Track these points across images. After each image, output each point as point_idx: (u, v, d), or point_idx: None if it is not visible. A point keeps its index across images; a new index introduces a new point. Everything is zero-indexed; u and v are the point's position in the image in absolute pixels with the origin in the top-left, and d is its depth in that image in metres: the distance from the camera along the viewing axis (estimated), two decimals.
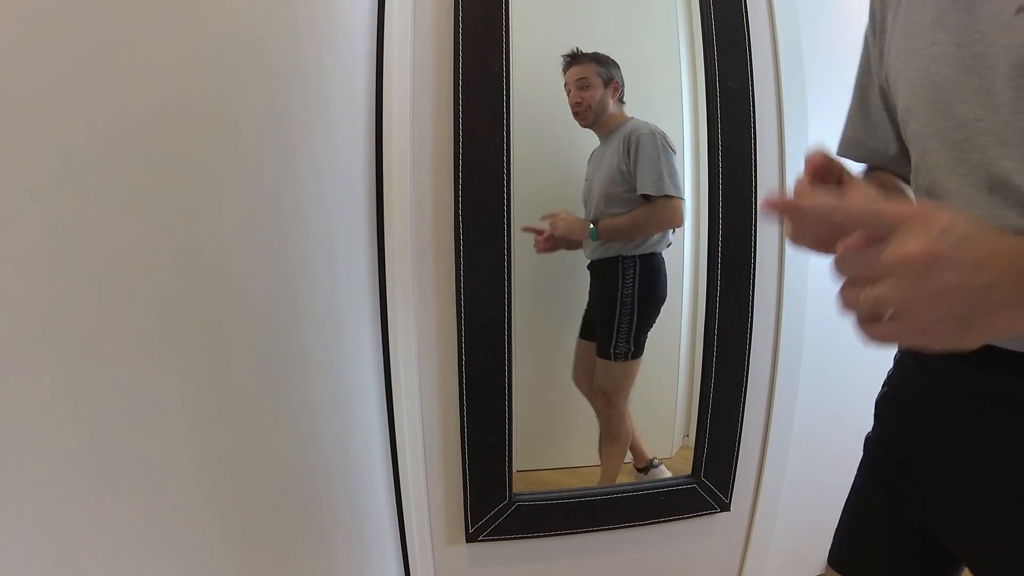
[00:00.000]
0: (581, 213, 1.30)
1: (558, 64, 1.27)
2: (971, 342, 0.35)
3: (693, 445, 1.32)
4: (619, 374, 1.33)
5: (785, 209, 0.40)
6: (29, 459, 0.33)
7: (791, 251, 1.27)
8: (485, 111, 1.10)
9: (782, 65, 1.23)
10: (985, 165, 0.46)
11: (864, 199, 0.45)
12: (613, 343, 1.30)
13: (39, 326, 0.34)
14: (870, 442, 0.66)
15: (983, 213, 0.46)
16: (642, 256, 1.28)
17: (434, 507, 1.23)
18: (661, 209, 1.23)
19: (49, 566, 0.34)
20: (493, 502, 1.22)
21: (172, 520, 0.47)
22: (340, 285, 0.96)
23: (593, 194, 1.28)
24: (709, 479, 1.29)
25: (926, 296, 0.33)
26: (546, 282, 1.34)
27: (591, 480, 1.39)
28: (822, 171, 0.50)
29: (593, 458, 1.40)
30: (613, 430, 1.36)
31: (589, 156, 1.31)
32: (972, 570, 0.54)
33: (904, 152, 0.58)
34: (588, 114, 1.26)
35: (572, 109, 1.26)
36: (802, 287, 1.30)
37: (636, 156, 1.22)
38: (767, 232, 1.24)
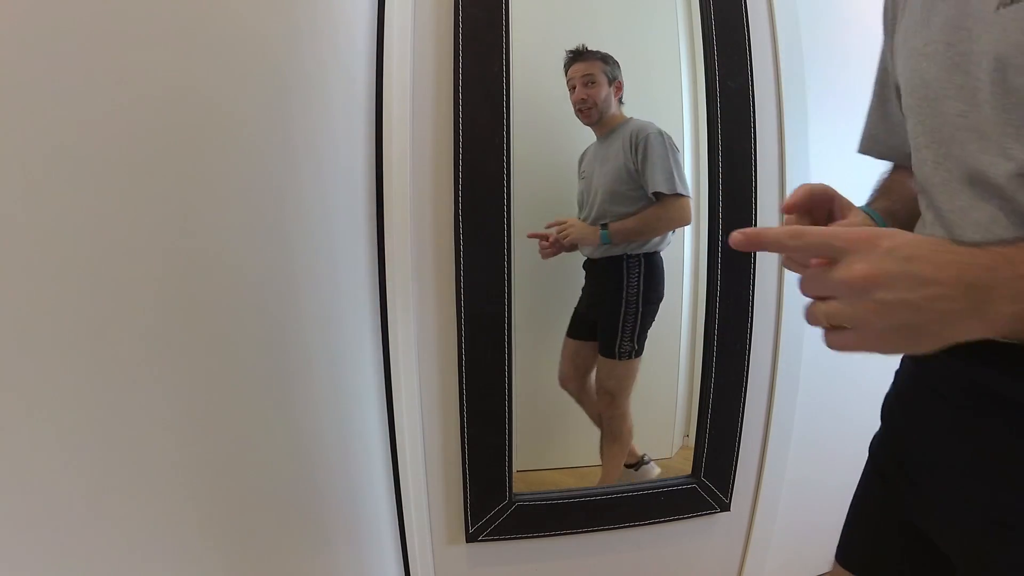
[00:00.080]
0: (575, 212, 1.30)
1: (558, 64, 1.27)
2: (927, 347, 0.38)
3: (693, 445, 1.32)
4: (623, 373, 1.33)
5: (748, 244, 0.43)
6: (29, 459, 0.33)
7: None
8: (485, 111, 1.10)
9: (782, 65, 1.23)
10: (965, 159, 0.48)
11: (837, 227, 0.53)
12: (618, 342, 1.31)
13: (38, 325, 0.34)
14: (874, 440, 0.67)
15: (965, 206, 0.48)
16: (646, 255, 1.29)
17: (434, 507, 1.23)
18: (673, 208, 1.24)
19: (49, 566, 0.34)
20: (493, 502, 1.22)
21: (171, 520, 0.47)
22: (340, 285, 0.96)
23: (594, 192, 1.28)
24: (709, 479, 1.29)
25: (871, 311, 0.37)
26: (546, 282, 1.34)
27: (591, 480, 1.38)
28: (804, 207, 0.57)
29: (593, 458, 1.40)
30: (615, 429, 1.36)
31: (581, 154, 1.31)
32: (961, 572, 0.54)
33: None
34: (593, 111, 1.26)
35: (576, 105, 1.26)
36: None
37: (645, 155, 1.23)
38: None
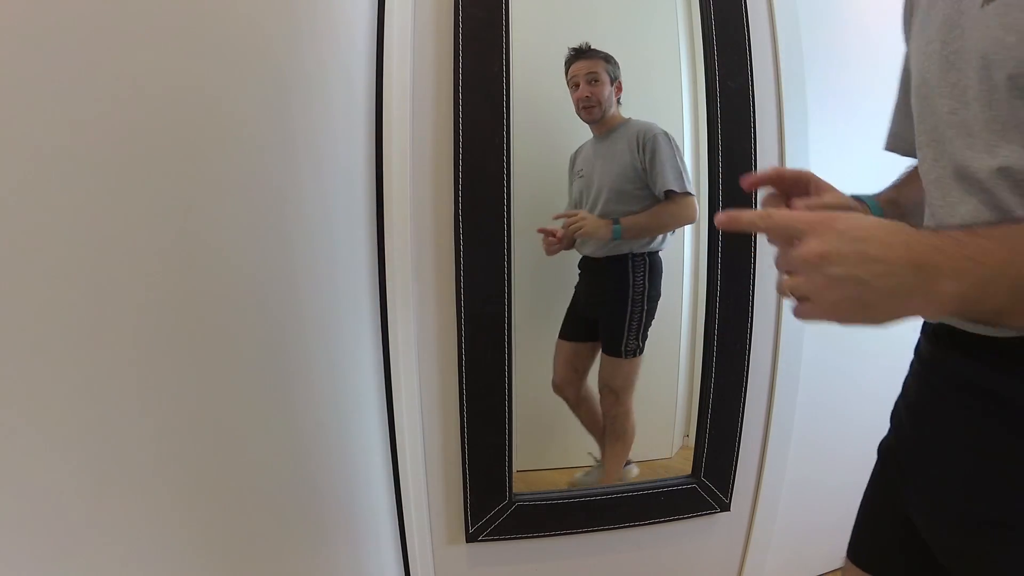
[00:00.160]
0: (564, 208, 1.31)
1: (558, 64, 1.27)
2: (877, 321, 0.42)
3: (693, 445, 1.32)
4: (628, 371, 1.34)
5: (729, 223, 0.48)
6: (28, 459, 0.33)
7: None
8: (485, 111, 1.10)
9: (782, 65, 1.24)
10: (955, 156, 0.49)
11: (808, 207, 0.60)
12: (624, 340, 1.31)
13: (38, 325, 0.34)
14: (882, 443, 0.67)
15: (954, 201, 0.49)
16: (649, 254, 1.30)
17: (434, 507, 1.23)
18: (683, 206, 1.26)
19: (49, 566, 0.34)
20: (493, 502, 1.22)
21: (171, 520, 0.47)
22: (340, 285, 0.96)
23: (596, 190, 1.28)
24: (709, 479, 1.29)
25: (823, 284, 0.41)
26: (546, 282, 1.34)
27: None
28: (766, 182, 0.65)
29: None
30: (619, 428, 1.36)
31: (574, 153, 1.31)
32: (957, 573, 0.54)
33: None
34: (596, 109, 1.26)
35: (580, 103, 1.26)
36: None
37: (654, 155, 1.24)
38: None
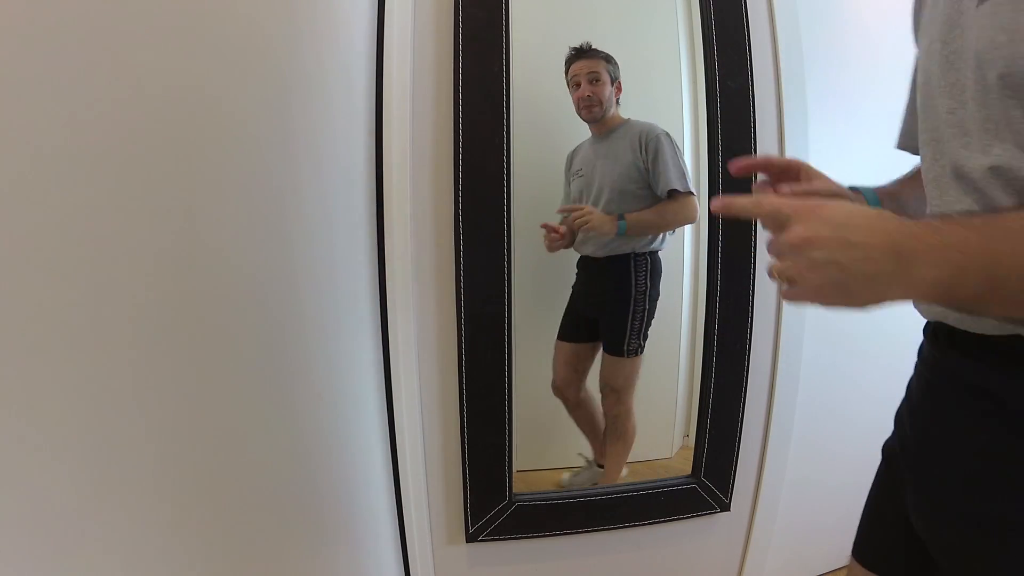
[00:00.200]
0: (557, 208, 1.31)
1: (558, 64, 1.27)
2: (857, 304, 0.43)
3: (693, 445, 1.32)
4: (630, 370, 1.34)
5: (723, 209, 0.50)
6: (28, 459, 0.33)
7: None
8: (485, 111, 1.10)
9: (782, 65, 1.23)
10: (952, 155, 0.49)
11: (793, 192, 0.64)
12: (627, 339, 1.32)
13: (37, 324, 0.34)
14: (886, 444, 0.68)
15: (951, 200, 0.50)
16: (650, 253, 1.30)
17: (434, 507, 1.23)
18: (686, 205, 1.27)
19: (49, 566, 0.34)
20: (493, 502, 1.22)
21: (170, 520, 0.47)
22: (340, 285, 0.96)
23: (597, 190, 1.28)
24: (709, 479, 1.29)
25: (806, 268, 0.43)
26: (546, 282, 1.34)
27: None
28: (754, 168, 0.71)
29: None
30: (620, 427, 1.36)
31: (571, 153, 1.31)
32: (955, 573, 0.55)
33: None
34: (597, 109, 1.27)
35: (581, 102, 1.26)
36: None
37: (657, 155, 1.25)
38: (767, 232, 1.24)
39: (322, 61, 0.88)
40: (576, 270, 1.33)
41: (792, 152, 1.25)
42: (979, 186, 0.46)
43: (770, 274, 0.48)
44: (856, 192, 0.67)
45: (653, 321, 1.33)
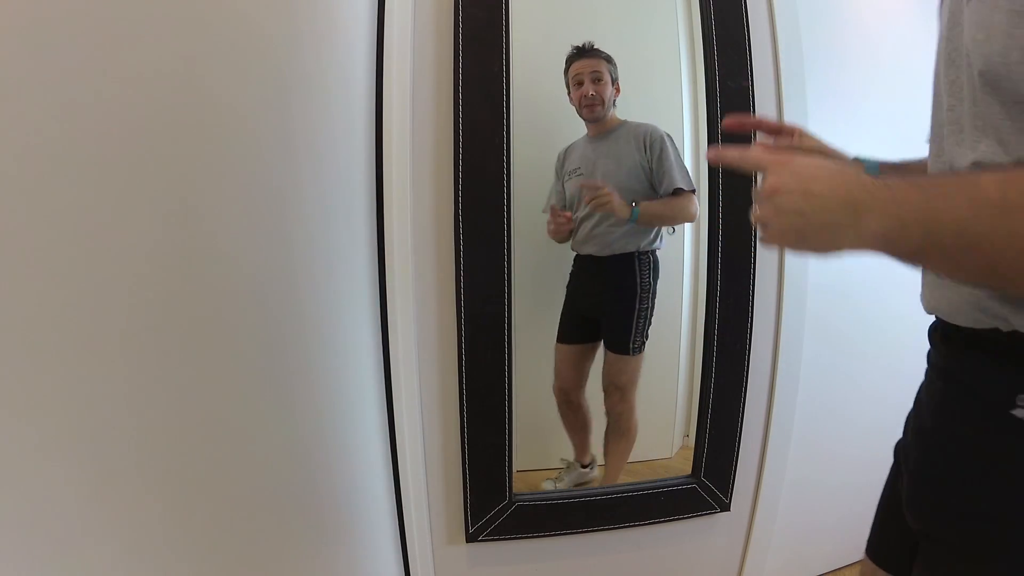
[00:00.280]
0: (558, 207, 1.31)
1: (558, 64, 1.27)
2: (815, 250, 0.47)
3: (693, 445, 1.32)
4: (634, 367, 1.35)
5: (716, 160, 0.57)
6: (28, 459, 0.33)
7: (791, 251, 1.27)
8: (485, 111, 1.10)
9: (782, 65, 1.24)
10: (948, 152, 0.51)
11: (778, 146, 0.70)
12: (632, 337, 1.33)
13: (37, 324, 0.34)
14: (896, 445, 0.69)
15: None
16: (652, 252, 1.32)
17: (434, 507, 1.23)
18: (690, 203, 1.28)
19: (49, 566, 0.34)
20: (493, 502, 1.22)
21: (170, 520, 0.47)
22: (340, 285, 0.96)
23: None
24: (709, 479, 1.29)
25: (772, 214, 0.48)
26: (546, 282, 1.34)
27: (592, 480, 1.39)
28: (747, 127, 0.77)
29: (595, 458, 1.40)
30: (624, 425, 1.37)
31: (563, 153, 1.31)
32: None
33: None
34: (599, 108, 1.27)
35: (584, 101, 1.26)
36: (802, 287, 1.30)
37: (662, 155, 1.26)
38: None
39: (322, 61, 0.88)
40: (572, 270, 1.33)
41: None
42: None
43: (752, 221, 0.53)
44: (857, 161, 0.69)
45: (653, 320, 1.33)
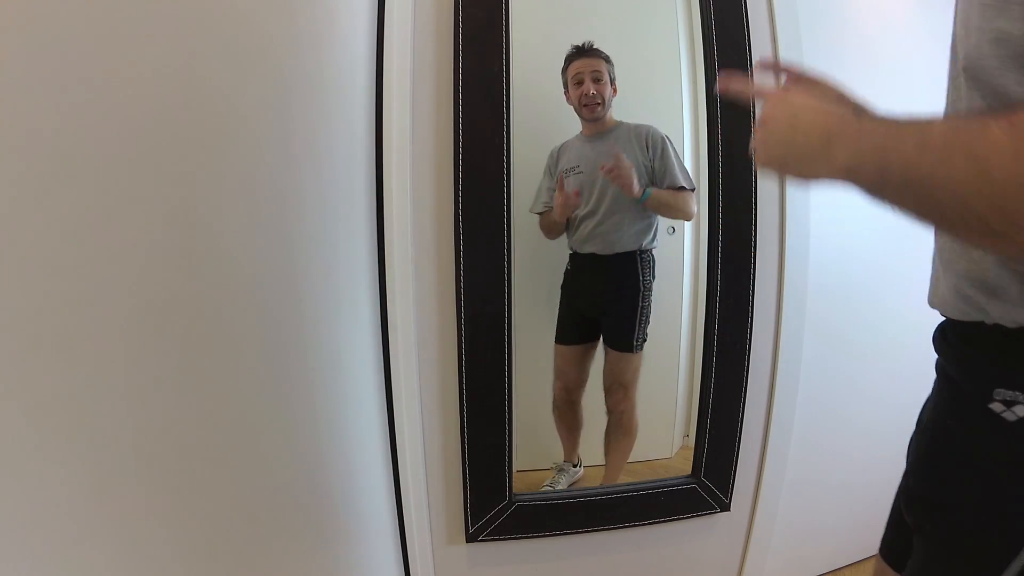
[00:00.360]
0: (544, 206, 1.32)
1: (558, 64, 1.27)
2: (796, 175, 0.50)
3: (693, 445, 1.32)
4: (637, 364, 1.36)
5: (725, 86, 0.62)
6: (28, 459, 0.33)
7: (791, 250, 1.27)
8: (485, 111, 1.10)
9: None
10: None
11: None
12: (635, 334, 1.34)
13: (37, 325, 0.34)
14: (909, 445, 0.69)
15: None
16: (651, 250, 1.33)
17: (434, 507, 1.23)
18: (691, 200, 1.30)
19: (48, 565, 0.34)
20: (493, 502, 1.22)
21: (170, 520, 0.47)
22: (341, 284, 0.96)
23: (600, 187, 1.28)
24: (709, 479, 1.29)
25: (762, 140, 0.53)
26: (546, 282, 1.34)
27: (592, 480, 1.38)
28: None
29: (594, 458, 1.40)
30: (626, 423, 1.37)
31: (556, 151, 1.31)
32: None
33: None
34: (600, 108, 1.27)
35: (584, 100, 1.27)
36: (802, 287, 1.30)
37: (663, 154, 1.28)
38: (767, 231, 1.25)
39: (322, 61, 0.88)
40: (569, 270, 1.33)
41: None
42: None
43: (750, 148, 0.57)
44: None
45: (652, 319, 1.34)
